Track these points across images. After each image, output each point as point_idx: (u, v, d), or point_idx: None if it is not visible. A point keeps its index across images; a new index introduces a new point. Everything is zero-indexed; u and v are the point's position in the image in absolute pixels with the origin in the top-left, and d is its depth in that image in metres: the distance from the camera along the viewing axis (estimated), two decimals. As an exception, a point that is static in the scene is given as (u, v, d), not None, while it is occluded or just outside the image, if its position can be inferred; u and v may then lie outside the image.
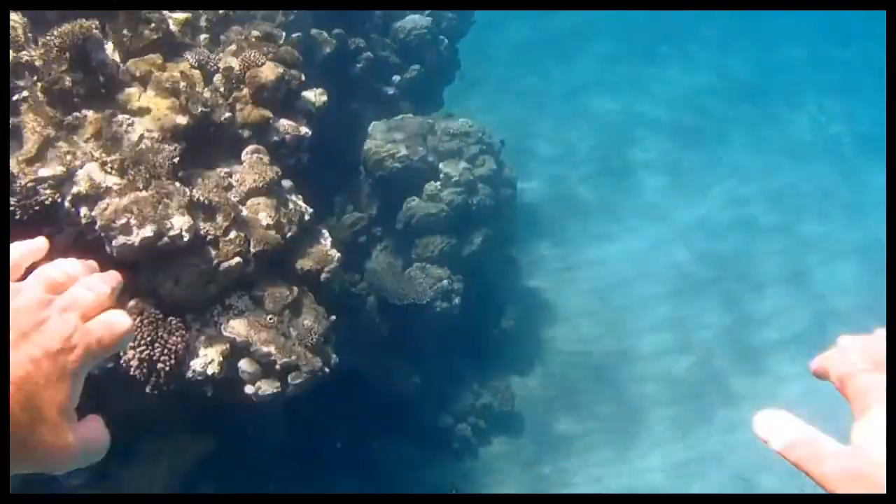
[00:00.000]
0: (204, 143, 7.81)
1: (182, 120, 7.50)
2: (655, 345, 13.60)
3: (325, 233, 8.25)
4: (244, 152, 7.90)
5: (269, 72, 8.10)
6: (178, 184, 7.18)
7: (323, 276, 7.99)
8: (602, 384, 13.02)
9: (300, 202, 8.11)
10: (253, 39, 8.77)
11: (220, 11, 8.76)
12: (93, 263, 1.34)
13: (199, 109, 7.50)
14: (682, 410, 12.68)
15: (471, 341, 12.46)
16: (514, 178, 12.81)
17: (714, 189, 17.04)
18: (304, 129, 8.34)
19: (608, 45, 21.24)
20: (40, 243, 1.32)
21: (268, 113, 8.09)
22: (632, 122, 18.70)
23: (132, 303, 7.23)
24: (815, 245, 15.83)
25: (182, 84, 7.66)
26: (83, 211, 7.13)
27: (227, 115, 7.83)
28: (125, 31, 7.97)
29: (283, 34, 9.31)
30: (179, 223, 7.00)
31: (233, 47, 8.41)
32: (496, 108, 18.03)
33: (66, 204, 7.13)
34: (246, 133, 8.02)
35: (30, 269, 1.26)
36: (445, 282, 11.42)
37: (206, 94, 7.82)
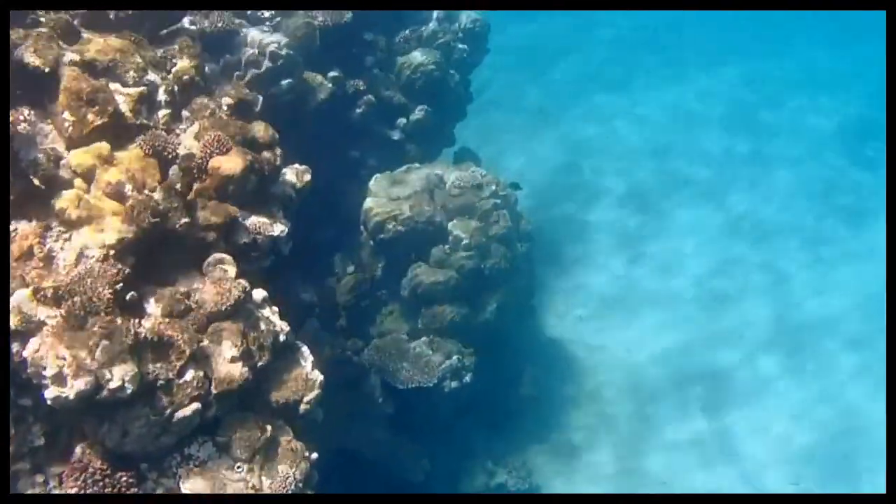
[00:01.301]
0: (158, 252, 6.51)
1: (129, 232, 6.19)
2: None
3: (305, 350, 6.93)
4: (206, 264, 6.59)
5: (234, 161, 6.76)
6: (119, 320, 5.87)
7: (302, 407, 6.70)
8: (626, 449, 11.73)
9: (274, 318, 6.79)
10: (222, 113, 7.44)
11: (184, 77, 7.41)
12: None
13: (148, 220, 6.18)
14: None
15: (485, 412, 11.18)
16: (531, 231, 11.42)
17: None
18: (280, 227, 7.01)
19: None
20: None
21: (234, 210, 6.77)
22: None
23: (77, 450, 6.00)
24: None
25: (128, 187, 6.34)
26: (14, 347, 5.88)
27: (185, 220, 6.50)
28: (66, 116, 6.65)
29: (259, 99, 7.97)
30: (121, 373, 5.72)
31: (195, 127, 7.07)
32: (509, 131, 16.74)
33: (-9, 340, 5.87)
34: (210, 236, 6.70)
35: None
36: (455, 358, 10.12)
37: (158, 195, 6.50)
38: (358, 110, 10.77)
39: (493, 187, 10.71)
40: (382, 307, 10.81)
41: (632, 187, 16.24)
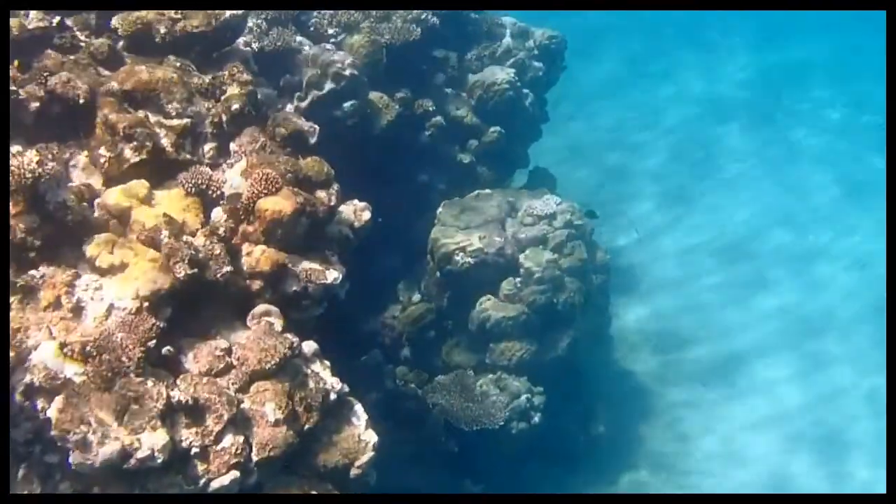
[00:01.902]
0: (199, 302, 6.01)
1: (164, 282, 5.69)
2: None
3: (359, 409, 6.34)
4: (250, 315, 6.05)
5: (283, 203, 6.21)
6: (151, 382, 5.37)
7: (353, 472, 6.12)
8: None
9: (325, 373, 6.23)
10: (273, 146, 6.90)
11: (233, 107, 6.90)
12: None
13: (184, 272, 5.66)
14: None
15: (555, 452, 10.50)
16: (608, 263, 10.70)
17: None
18: (333, 274, 6.43)
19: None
20: None
21: (282, 257, 6.22)
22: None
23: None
24: None
25: (165, 233, 5.84)
26: (40, 404, 5.43)
27: (227, 269, 5.97)
28: (102, 152, 6.19)
29: (316, 130, 7.41)
30: (151, 441, 5.23)
31: (242, 163, 6.55)
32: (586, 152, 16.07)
33: (18, 397, 5.43)
34: (255, 285, 6.18)
35: None
36: (524, 398, 9.49)
37: (199, 240, 5.99)
38: (426, 133, 10.20)
39: (568, 216, 10.02)
40: (449, 338, 10.20)
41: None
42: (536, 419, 9.55)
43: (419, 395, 9.89)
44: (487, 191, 10.24)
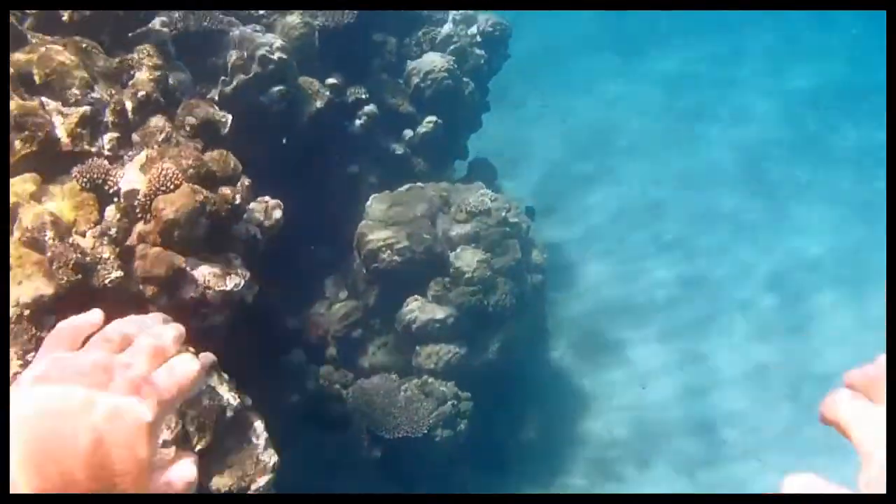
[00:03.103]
0: (85, 309, 5.52)
1: (48, 289, 5.21)
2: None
3: (258, 427, 5.92)
4: (141, 325, 5.59)
5: (181, 201, 5.74)
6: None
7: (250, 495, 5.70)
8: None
9: (222, 388, 5.79)
10: (180, 136, 6.43)
11: (139, 94, 6.39)
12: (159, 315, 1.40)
13: (66, 278, 5.19)
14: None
15: (484, 458, 10.17)
16: (545, 263, 10.34)
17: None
18: (234, 280, 5.97)
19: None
20: (95, 317, 1.36)
21: (179, 260, 5.76)
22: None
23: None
24: None
25: (49, 233, 5.35)
26: None
27: (117, 274, 5.50)
28: (-12, 141, 5.66)
29: (229, 119, 6.94)
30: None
31: (142, 156, 6.05)
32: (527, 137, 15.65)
33: None
34: (149, 290, 5.71)
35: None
36: (450, 405, 9.11)
37: (87, 241, 5.51)
38: (358, 121, 9.74)
39: (503, 213, 9.63)
40: (376, 337, 9.81)
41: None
42: (462, 426, 9.21)
43: (343, 397, 9.51)
44: (420, 184, 9.82)
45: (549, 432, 10.80)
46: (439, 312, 9.13)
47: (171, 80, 6.86)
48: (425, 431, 8.88)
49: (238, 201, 6.10)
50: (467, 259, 9.25)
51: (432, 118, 10.20)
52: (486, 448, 10.07)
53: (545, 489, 10.63)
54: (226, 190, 6.08)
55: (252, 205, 6.64)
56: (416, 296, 9.28)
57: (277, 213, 6.67)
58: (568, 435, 11.14)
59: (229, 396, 5.75)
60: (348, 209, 9.83)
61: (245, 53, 8.55)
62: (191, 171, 5.91)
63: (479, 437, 9.78)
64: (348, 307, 9.75)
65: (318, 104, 9.16)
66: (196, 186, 5.83)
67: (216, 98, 8.70)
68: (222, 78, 8.58)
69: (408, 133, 10.17)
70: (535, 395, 10.90)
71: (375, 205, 9.44)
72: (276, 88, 8.67)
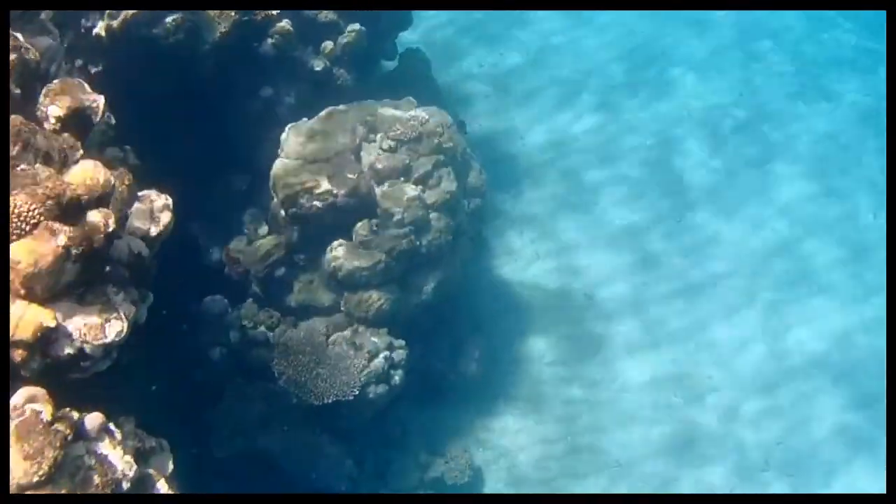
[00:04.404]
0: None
1: None
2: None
3: (161, 487, 5.16)
4: (12, 407, 4.66)
5: (39, 250, 4.67)
6: None
7: (152, 574, 5.01)
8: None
9: (114, 454, 4.87)
10: (43, 134, 5.29)
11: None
12: None
13: None
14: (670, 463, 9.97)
15: (422, 396, 9.63)
16: (484, 187, 9.41)
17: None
18: (116, 327, 5.01)
19: None
20: None
21: (48, 317, 4.73)
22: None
23: None
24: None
25: None
26: None
27: (-34, 351, 4.55)
28: None
29: (101, 102, 5.74)
30: None
31: (-9, 182, 4.94)
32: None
33: None
34: (18, 355, 4.74)
35: None
36: (381, 358, 8.41)
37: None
38: (270, 40, 8.50)
39: (436, 140, 8.62)
40: (301, 274, 8.95)
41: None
42: (397, 379, 8.54)
43: (269, 341, 8.77)
44: (341, 107, 8.70)
45: (493, 361, 10.20)
46: (366, 259, 8.26)
47: (29, 55, 5.62)
48: (356, 392, 8.21)
49: (112, 228, 5.06)
50: (396, 197, 8.31)
51: (355, 26, 8.99)
52: (426, 385, 9.51)
53: (487, 424, 10.09)
54: (96, 217, 5.01)
55: (135, 206, 5.63)
56: (340, 240, 8.37)
57: (166, 217, 5.66)
58: (512, 364, 10.51)
59: (123, 466, 4.91)
60: (264, 136, 8.77)
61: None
62: (49, 202, 4.83)
63: (418, 374, 9.19)
64: (269, 244, 8.83)
65: (223, 28, 7.97)
66: (56, 226, 4.77)
67: (102, 34, 7.50)
68: (108, 11, 7.39)
69: (328, 45, 8.96)
70: (478, 325, 10.22)
71: (292, 137, 8.36)
72: (171, 18, 7.48)
